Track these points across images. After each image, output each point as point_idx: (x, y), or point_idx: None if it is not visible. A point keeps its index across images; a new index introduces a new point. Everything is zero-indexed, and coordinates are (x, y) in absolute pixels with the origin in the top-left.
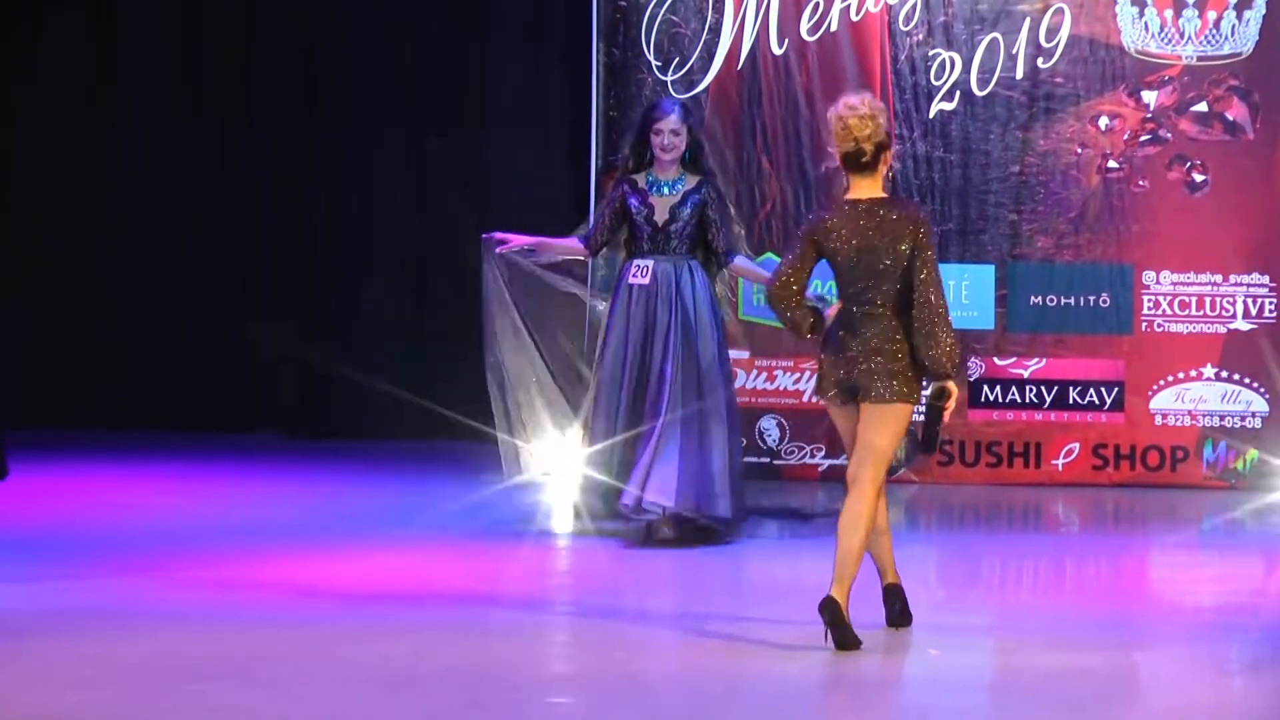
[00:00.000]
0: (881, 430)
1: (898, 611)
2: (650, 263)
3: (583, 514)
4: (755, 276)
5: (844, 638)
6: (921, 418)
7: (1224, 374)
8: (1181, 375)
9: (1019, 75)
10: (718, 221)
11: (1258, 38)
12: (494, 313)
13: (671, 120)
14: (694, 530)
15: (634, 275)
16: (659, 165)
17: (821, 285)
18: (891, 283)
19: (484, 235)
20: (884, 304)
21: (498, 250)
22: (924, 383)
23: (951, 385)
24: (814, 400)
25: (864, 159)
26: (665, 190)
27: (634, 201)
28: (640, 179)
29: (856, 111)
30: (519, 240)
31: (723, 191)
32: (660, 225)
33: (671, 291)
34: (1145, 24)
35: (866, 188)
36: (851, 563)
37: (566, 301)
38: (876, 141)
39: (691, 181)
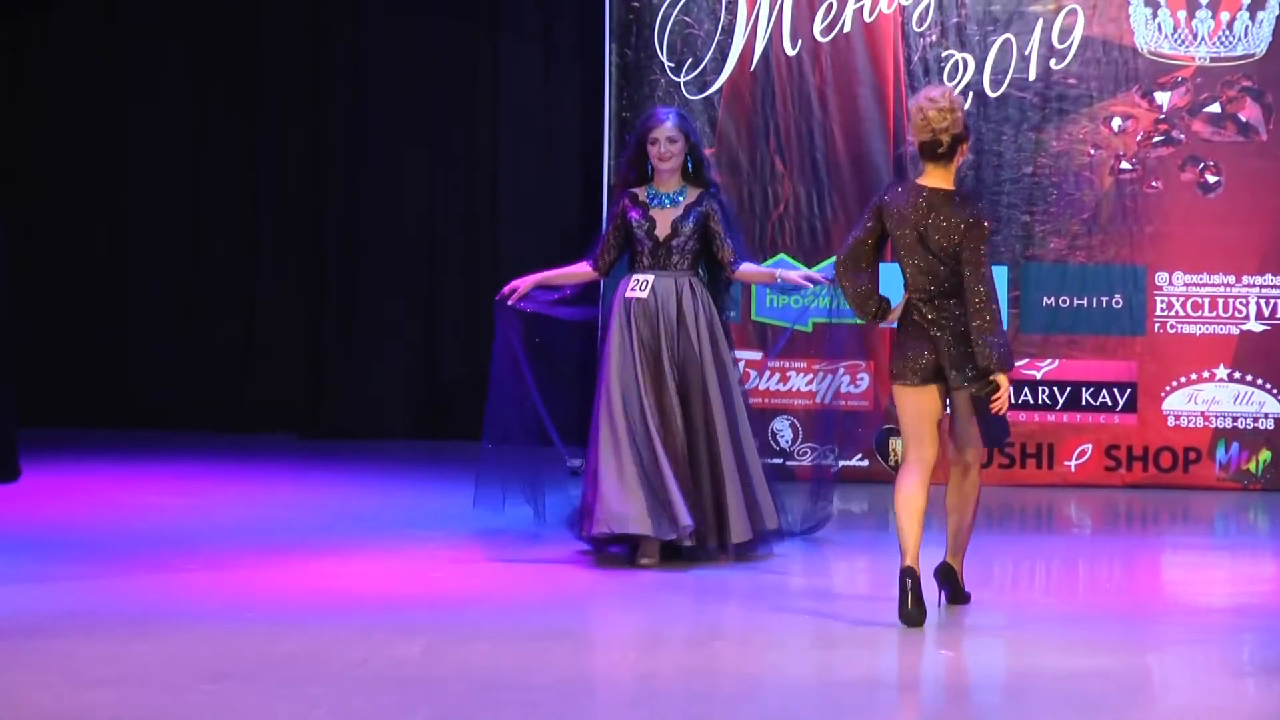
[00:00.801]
0: (970, 414)
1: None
2: (650, 277)
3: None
4: (762, 277)
5: (957, 595)
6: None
7: (1237, 375)
8: (1194, 376)
9: (1032, 76)
10: (722, 234)
11: (1271, 39)
12: (503, 388)
13: (667, 128)
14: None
15: (633, 289)
16: (658, 176)
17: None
18: (949, 273)
19: (496, 298)
20: (948, 291)
21: (510, 304)
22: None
23: (1000, 378)
24: (821, 402)
25: (940, 149)
26: (666, 203)
27: (635, 215)
28: (641, 192)
29: (936, 104)
30: (526, 284)
31: (727, 203)
32: (662, 240)
33: (672, 309)
34: (1158, 25)
35: (938, 177)
36: (965, 533)
37: (575, 334)
38: (954, 134)
39: (693, 194)
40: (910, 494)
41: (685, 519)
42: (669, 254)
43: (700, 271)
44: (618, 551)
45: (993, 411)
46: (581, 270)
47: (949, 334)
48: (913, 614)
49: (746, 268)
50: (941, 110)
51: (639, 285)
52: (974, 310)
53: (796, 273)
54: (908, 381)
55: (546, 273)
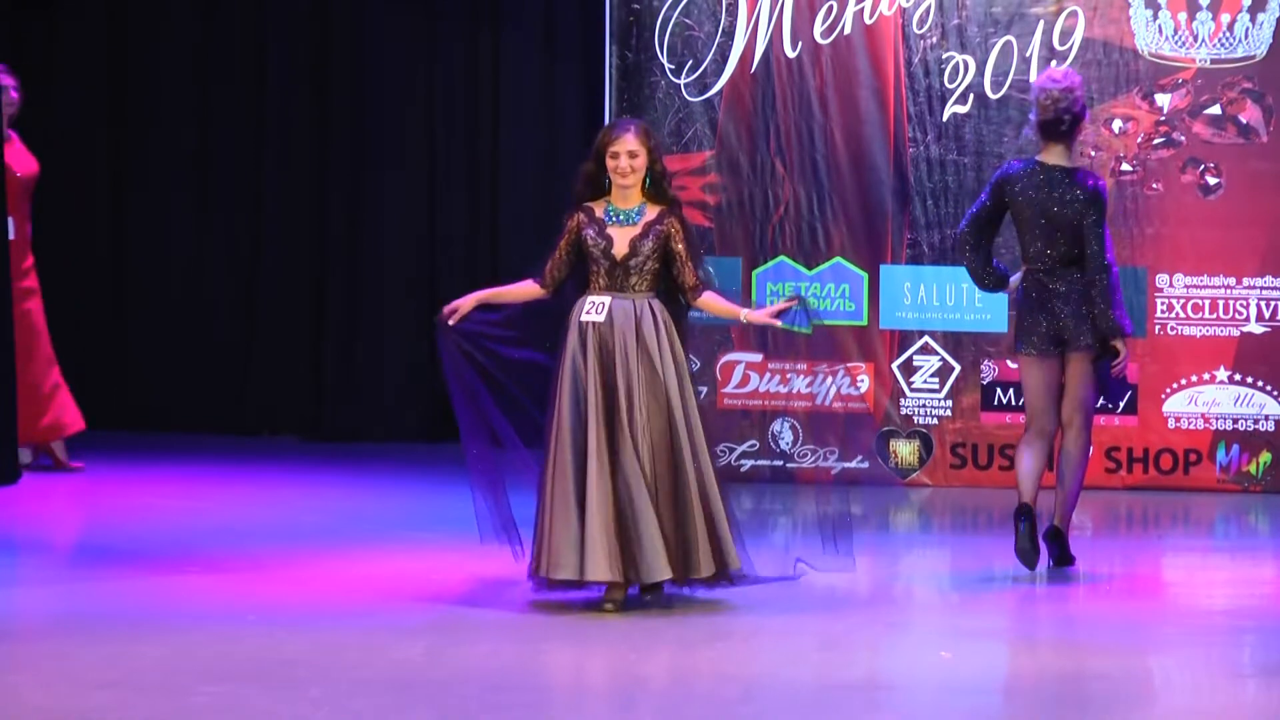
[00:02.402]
0: (1085, 377)
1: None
2: (607, 300)
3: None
4: (727, 313)
5: (1064, 557)
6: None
7: (1237, 377)
8: (1195, 378)
9: (1032, 78)
10: (684, 255)
11: (1271, 41)
12: (461, 401)
13: (628, 141)
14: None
15: (588, 312)
16: (617, 192)
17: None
18: (1069, 244)
19: (436, 319)
20: (1068, 262)
21: (450, 324)
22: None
23: (1119, 344)
24: (826, 401)
25: (1061, 128)
26: (624, 220)
27: (590, 233)
28: (598, 208)
29: (1058, 85)
30: (468, 302)
31: (688, 223)
32: (619, 259)
33: (630, 335)
34: (1159, 27)
35: (1057, 154)
36: (1073, 496)
37: (525, 370)
38: (1074, 114)
39: (653, 211)
40: (1030, 462)
41: (643, 570)
42: (626, 274)
43: (660, 292)
44: (564, 597)
45: (1114, 375)
46: (527, 288)
47: (1069, 304)
48: (1028, 552)
49: (710, 298)
50: (1064, 90)
51: (594, 308)
52: (1095, 279)
53: (763, 311)
54: (1029, 351)
55: (490, 290)
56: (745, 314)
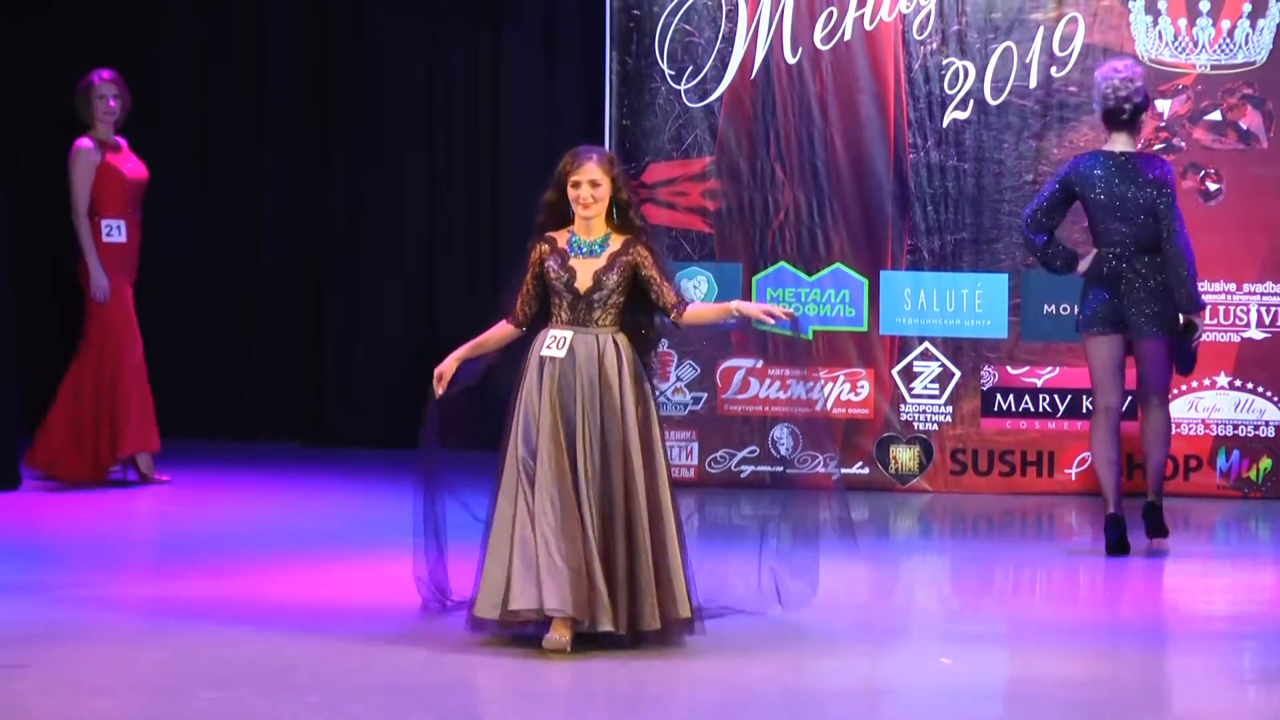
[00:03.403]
0: (1157, 364)
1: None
2: (569, 335)
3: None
4: (716, 314)
5: (1158, 529)
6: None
7: (1238, 383)
8: (1195, 384)
9: (1032, 84)
10: (659, 278)
11: (1271, 46)
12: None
13: (590, 169)
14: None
15: (548, 347)
16: (580, 222)
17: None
18: (1140, 227)
19: (430, 403)
20: (1138, 246)
21: (439, 396)
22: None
23: (1198, 319)
24: (826, 406)
25: (1123, 117)
26: (587, 252)
27: (553, 264)
28: (562, 238)
29: (1119, 74)
30: (450, 365)
31: (656, 247)
32: (582, 293)
33: (594, 371)
34: (1159, 33)
35: (1122, 142)
36: (1162, 468)
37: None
38: (1135, 103)
39: (618, 242)
40: (1103, 441)
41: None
42: (590, 308)
43: (624, 327)
44: (497, 631)
45: (1193, 349)
46: (503, 331)
47: (1140, 288)
48: (1120, 550)
49: (695, 309)
50: (1124, 79)
51: (555, 343)
52: (1171, 259)
53: (755, 306)
54: (1094, 330)
55: (467, 346)
56: (736, 305)
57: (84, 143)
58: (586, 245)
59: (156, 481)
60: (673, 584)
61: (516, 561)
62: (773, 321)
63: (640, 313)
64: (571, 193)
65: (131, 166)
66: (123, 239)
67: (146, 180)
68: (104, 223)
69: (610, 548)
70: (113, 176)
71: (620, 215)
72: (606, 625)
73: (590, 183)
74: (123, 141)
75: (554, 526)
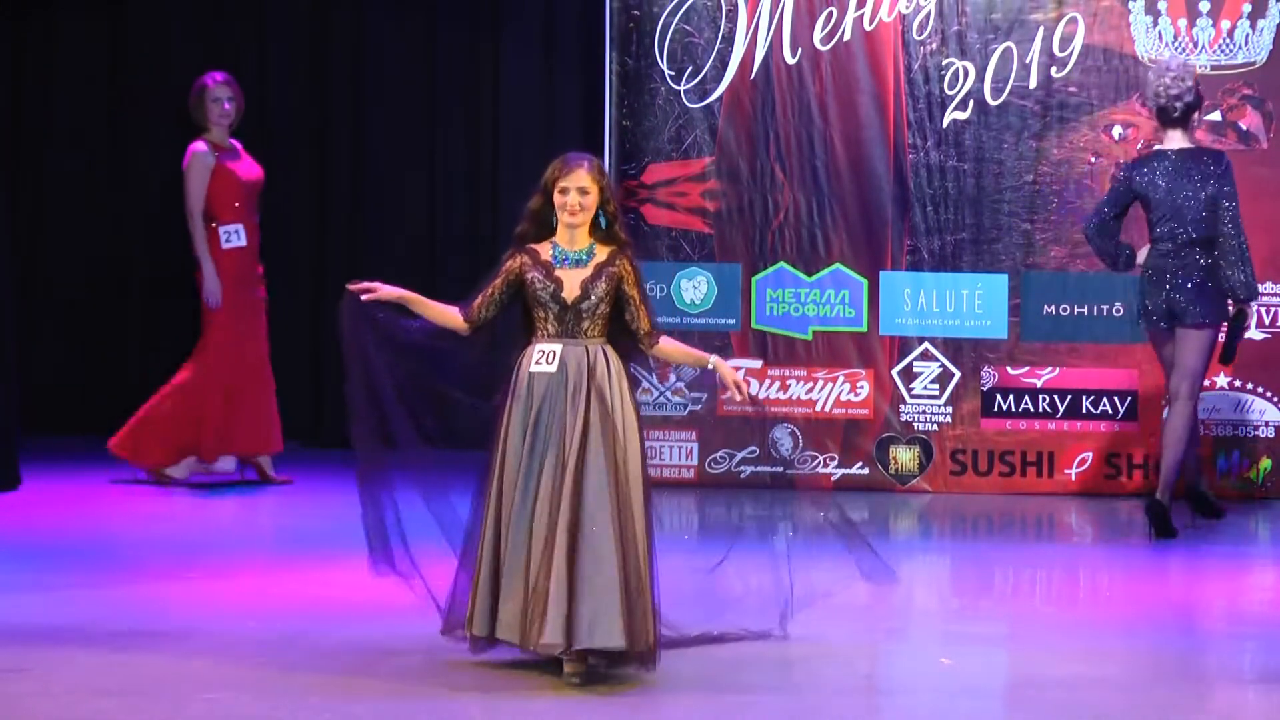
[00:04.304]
0: (1195, 351)
1: (1159, 524)
2: (557, 348)
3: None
4: (691, 360)
5: (1207, 509)
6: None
7: (1237, 383)
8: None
9: (1032, 84)
10: (638, 299)
11: (1271, 47)
12: (358, 388)
13: (580, 176)
14: (602, 665)
15: (537, 362)
16: (563, 232)
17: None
18: (1198, 223)
19: (347, 285)
20: (1192, 241)
21: (363, 299)
22: (1228, 305)
23: (1250, 308)
24: (820, 410)
25: (1174, 114)
26: (573, 262)
27: (537, 275)
28: (544, 249)
29: (1170, 73)
30: (389, 292)
31: (638, 265)
32: (570, 303)
33: (583, 382)
34: (1159, 33)
35: (1178, 139)
36: (1173, 469)
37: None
38: (1186, 102)
39: (603, 253)
40: (1172, 424)
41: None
42: (578, 319)
43: (611, 337)
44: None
45: (1240, 335)
46: (450, 314)
47: (1186, 280)
48: (1165, 533)
49: (669, 343)
50: (1174, 79)
51: (545, 357)
52: (1230, 249)
53: (731, 373)
54: (1149, 328)
55: (414, 294)
56: (715, 360)
57: (198, 146)
58: (572, 255)
59: (277, 482)
60: (635, 610)
61: (483, 585)
62: (738, 398)
63: (617, 336)
64: (558, 199)
65: (246, 169)
66: (242, 243)
67: (262, 181)
68: (222, 229)
69: (585, 563)
70: (228, 181)
71: (607, 226)
72: (550, 639)
73: (579, 190)
74: (238, 144)
75: (535, 556)
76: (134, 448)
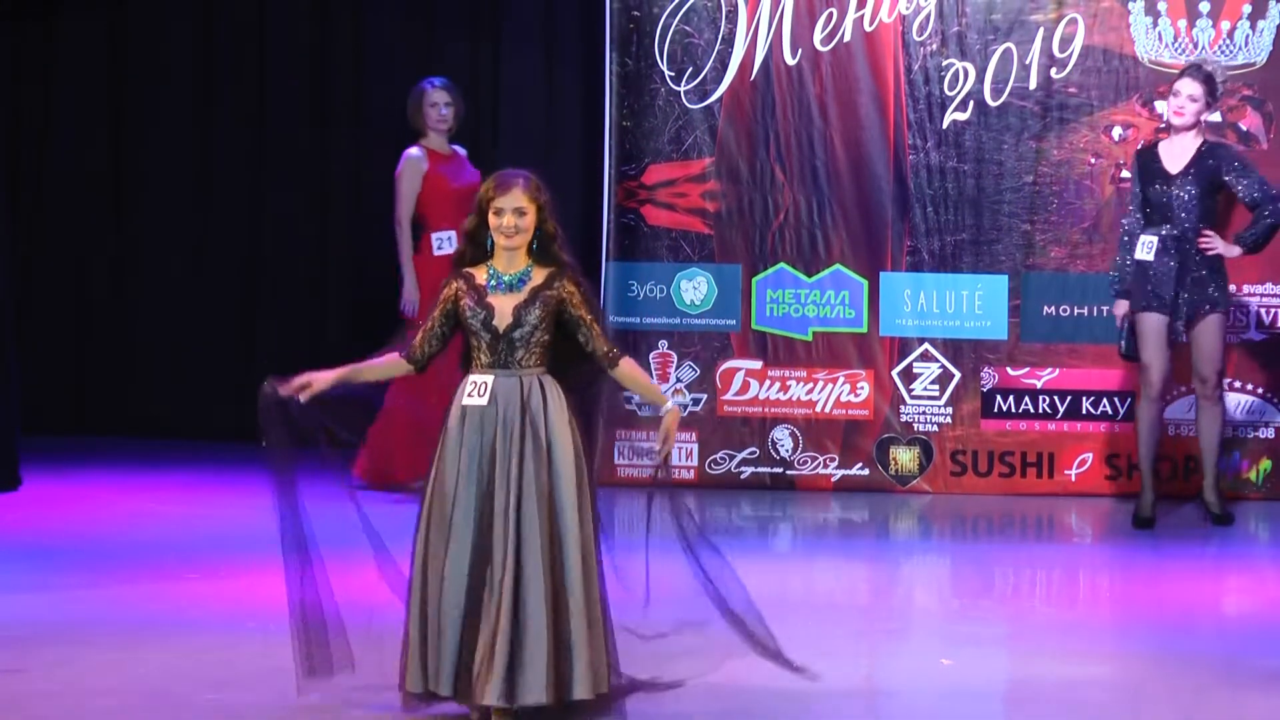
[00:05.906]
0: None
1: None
2: (489, 379)
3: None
4: (647, 389)
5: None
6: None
7: (1237, 384)
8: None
9: (1032, 85)
10: (587, 320)
11: (1271, 48)
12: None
13: (515, 196)
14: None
15: (469, 395)
16: (500, 255)
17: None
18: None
19: (267, 394)
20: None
21: (283, 394)
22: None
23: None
24: (820, 411)
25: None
26: (507, 287)
27: (469, 302)
28: (480, 273)
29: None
30: (326, 379)
31: (584, 283)
32: (502, 331)
33: (516, 415)
34: (1159, 34)
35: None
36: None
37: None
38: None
39: (540, 275)
40: (1210, 414)
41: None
42: (511, 348)
43: (550, 368)
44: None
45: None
46: (390, 363)
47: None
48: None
49: (630, 366)
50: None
51: (476, 389)
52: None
53: (671, 429)
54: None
55: (350, 366)
56: (671, 408)
57: (413, 151)
58: (507, 280)
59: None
60: (573, 660)
61: (414, 635)
62: (658, 451)
63: (573, 361)
64: (493, 220)
65: (461, 175)
66: (453, 250)
67: (475, 188)
68: (434, 236)
69: (530, 610)
70: (439, 187)
71: (543, 248)
72: (533, 698)
73: (515, 210)
74: (460, 150)
75: (463, 605)
76: (380, 471)
